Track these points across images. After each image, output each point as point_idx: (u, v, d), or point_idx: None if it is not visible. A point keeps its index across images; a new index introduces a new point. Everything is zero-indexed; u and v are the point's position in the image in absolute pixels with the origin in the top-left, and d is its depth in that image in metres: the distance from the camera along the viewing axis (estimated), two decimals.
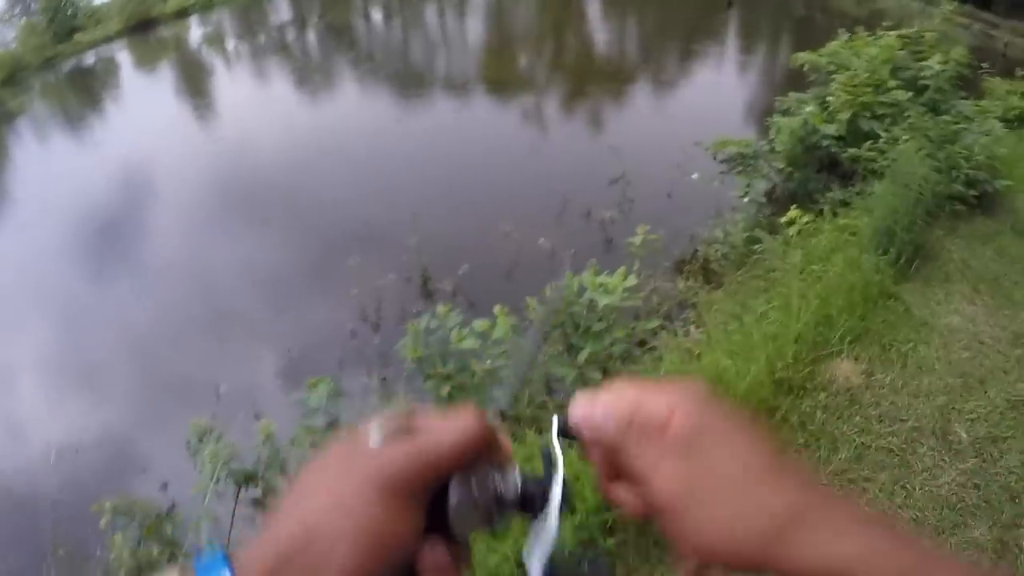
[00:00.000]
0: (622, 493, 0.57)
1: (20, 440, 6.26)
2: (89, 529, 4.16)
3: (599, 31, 20.34)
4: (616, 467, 0.57)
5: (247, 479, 4.14)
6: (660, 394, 0.56)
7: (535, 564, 0.54)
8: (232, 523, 4.00)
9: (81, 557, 4.28)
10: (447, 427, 0.51)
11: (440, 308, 4.62)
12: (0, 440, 6.35)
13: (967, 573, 0.48)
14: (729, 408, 0.56)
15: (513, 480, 0.55)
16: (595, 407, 0.56)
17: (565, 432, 0.59)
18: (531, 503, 0.55)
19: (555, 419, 0.59)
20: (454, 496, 0.51)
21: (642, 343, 4.86)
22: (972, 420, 3.74)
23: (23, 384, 7.11)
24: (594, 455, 0.58)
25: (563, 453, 0.57)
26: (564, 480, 0.56)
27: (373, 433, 0.51)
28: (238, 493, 4.15)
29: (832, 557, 0.47)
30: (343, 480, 0.47)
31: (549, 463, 0.58)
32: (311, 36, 22.10)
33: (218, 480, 3.90)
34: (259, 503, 4.22)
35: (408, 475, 0.48)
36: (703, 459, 0.52)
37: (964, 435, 3.63)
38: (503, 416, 0.63)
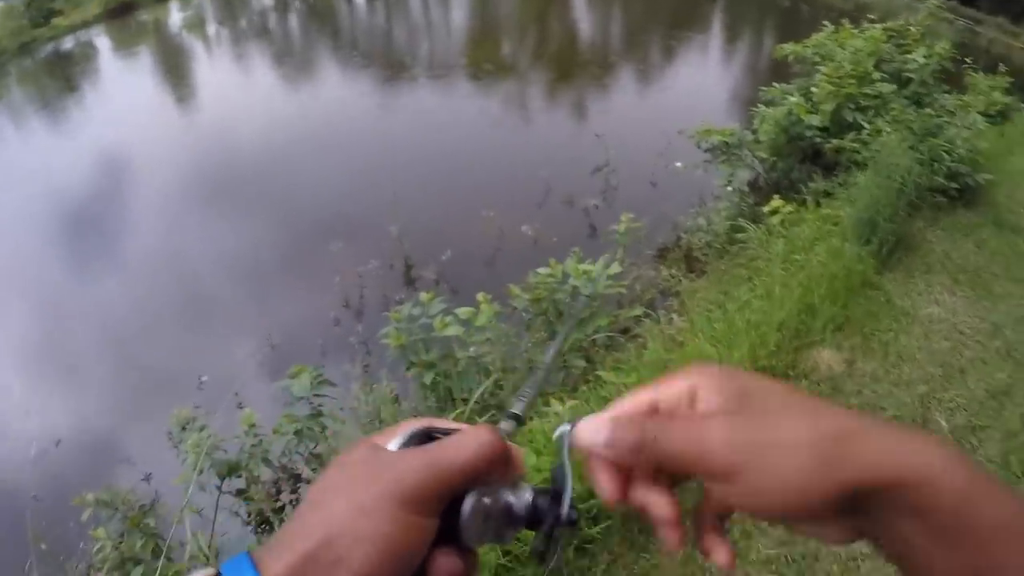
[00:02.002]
0: (650, 496, 0.54)
1: None
2: (71, 523, 4.13)
3: (584, 19, 20.31)
4: (637, 472, 0.55)
5: (230, 470, 4.10)
6: (671, 382, 0.54)
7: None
8: (216, 514, 3.98)
9: (64, 551, 4.23)
10: (464, 443, 0.52)
11: (423, 295, 4.60)
12: None
13: (1013, 496, 0.47)
14: (744, 368, 0.55)
15: (524, 496, 0.56)
16: (604, 420, 0.54)
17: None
18: (541, 521, 0.55)
19: (565, 431, 0.56)
20: (467, 508, 0.52)
21: (625, 331, 4.85)
22: (952, 409, 3.78)
23: (1, 374, 7.00)
24: (606, 472, 0.55)
25: (572, 469, 0.56)
26: (572, 499, 0.55)
27: (393, 441, 0.54)
28: (221, 484, 4.11)
29: (911, 456, 0.47)
30: (364, 487, 0.49)
31: (561, 476, 0.56)
32: (293, 20, 21.89)
33: (201, 471, 3.86)
34: (242, 493, 4.21)
35: (424, 487, 0.49)
36: (747, 408, 0.50)
37: (944, 424, 3.67)
38: (519, 422, 0.64)
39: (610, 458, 0.53)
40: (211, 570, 0.46)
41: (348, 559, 0.46)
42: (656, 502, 0.54)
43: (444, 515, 0.51)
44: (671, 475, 0.55)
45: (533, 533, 0.55)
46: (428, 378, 4.38)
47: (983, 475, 0.47)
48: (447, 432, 0.56)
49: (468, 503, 0.52)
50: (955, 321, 4.52)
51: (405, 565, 0.48)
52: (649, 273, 6.02)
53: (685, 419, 0.51)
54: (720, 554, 0.55)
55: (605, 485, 0.55)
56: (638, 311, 4.91)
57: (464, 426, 0.56)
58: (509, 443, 0.55)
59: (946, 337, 4.36)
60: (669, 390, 0.54)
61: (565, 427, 0.55)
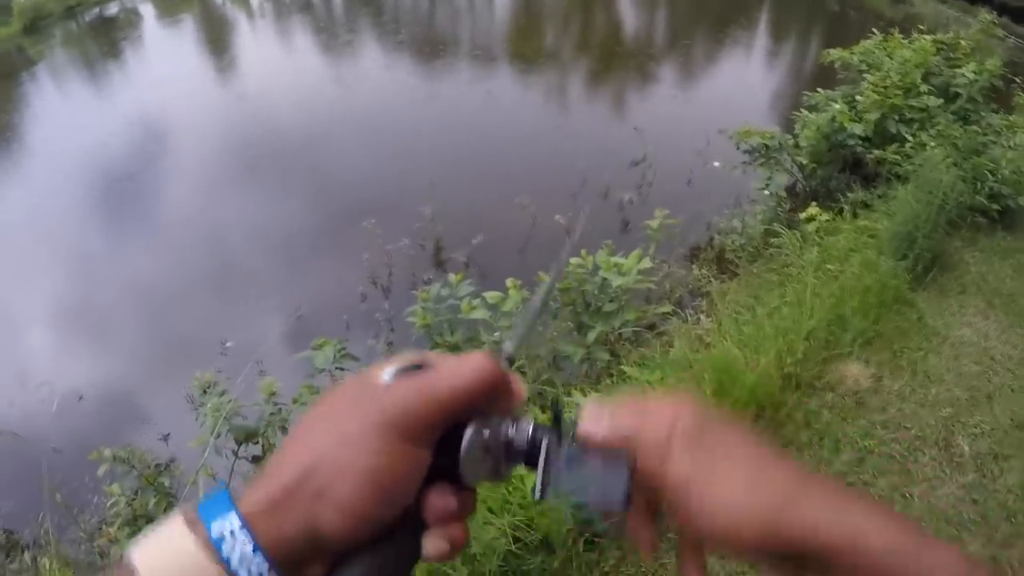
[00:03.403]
0: (633, 520, 0.59)
1: (24, 384, 6.26)
2: (86, 477, 4.20)
3: (629, 10, 20.12)
4: None
5: (248, 436, 4.13)
6: (661, 403, 0.57)
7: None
8: (230, 478, 4.01)
9: (77, 504, 4.32)
10: (458, 368, 0.50)
11: (452, 277, 4.61)
12: (4, 383, 6.35)
13: (957, 557, 0.50)
14: (723, 412, 0.59)
15: (524, 428, 0.54)
16: (604, 419, 0.56)
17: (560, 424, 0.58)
18: (539, 453, 0.54)
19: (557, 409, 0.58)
20: (466, 441, 0.50)
21: (651, 327, 4.84)
22: (976, 435, 3.73)
23: (31, 329, 7.13)
24: None
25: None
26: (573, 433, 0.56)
27: (384, 371, 0.51)
28: (238, 449, 4.16)
29: (840, 526, 0.50)
30: (349, 416, 0.47)
31: (557, 417, 0.57)
32: None
33: (219, 435, 3.85)
34: (258, 460, 4.21)
35: (415, 414, 0.47)
36: (710, 447, 0.54)
37: (967, 449, 3.62)
38: (511, 362, 0.62)
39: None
40: (191, 510, 0.45)
41: (330, 490, 0.44)
42: (635, 525, 0.59)
43: (442, 451, 0.49)
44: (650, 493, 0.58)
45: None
46: None
47: (923, 545, 0.50)
48: None
49: (467, 435, 0.50)
50: (986, 345, 4.45)
51: (394, 497, 0.47)
52: (680, 272, 6.00)
53: (656, 446, 0.54)
54: None
55: None
56: (667, 308, 4.89)
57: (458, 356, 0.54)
58: (508, 372, 0.53)
59: (976, 361, 4.30)
60: (656, 411, 0.56)
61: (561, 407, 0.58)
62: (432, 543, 0.50)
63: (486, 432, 0.51)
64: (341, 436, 0.46)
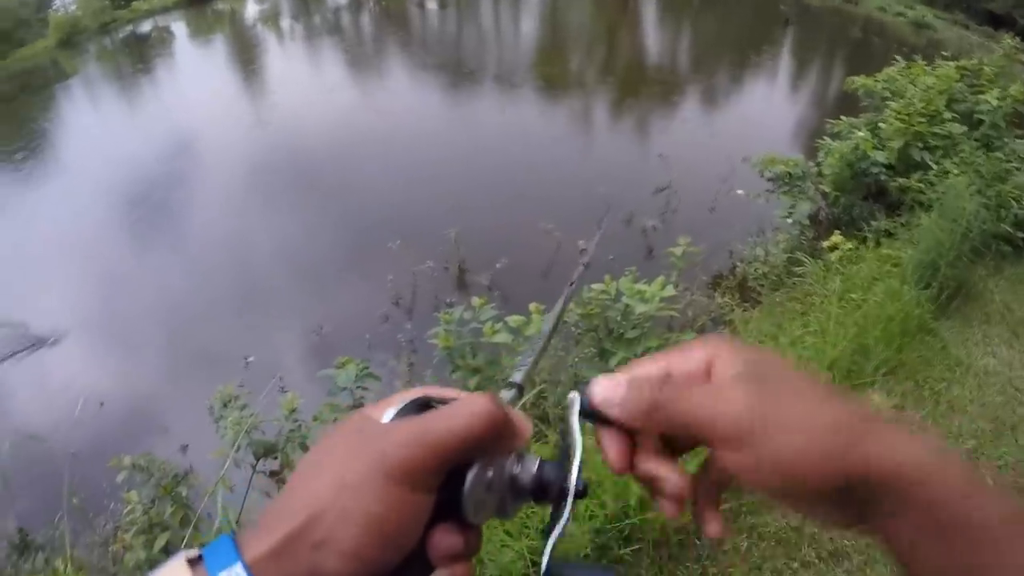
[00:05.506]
0: (660, 468, 0.55)
1: (48, 388, 6.40)
2: (104, 483, 4.26)
3: (653, 37, 20.27)
4: (644, 441, 0.56)
5: (267, 451, 4.15)
6: (688, 351, 0.55)
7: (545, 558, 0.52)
8: (247, 492, 4.03)
9: (94, 509, 4.38)
10: (457, 412, 0.48)
11: (476, 300, 4.64)
12: (29, 387, 6.47)
13: (1012, 502, 0.50)
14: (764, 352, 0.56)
15: (530, 466, 0.54)
16: (621, 380, 0.54)
17: (587, 414, 0.56)
18: (548, 491, 0.53)
19: (575, 397, 0.56)
20: (468, 481, 0.49)
21: None
22: (999, 467, 3.68)
23: (57, 335, 7.24)
24: (615, 438, 0.56)
25: (583, 435, 0.55)
26: (581, 466, 0.53)
27: (386, 412, 0.51)
28: (256, 463, 4.19)
29: (907, 458, 0.48)
30: (350, 461, 0.47)
31: (566, 449, 0.55)
32: (365, 20, 22.25)
33: (239, 448, 3.87)
34: (276, 475, 4.25)
35: (414, 461, 0.46)
36: (764, 383, 0.52)
37: (990, 482, 3.55)
38: (520, 391, 0.63)
39: (622, 419, 0.54)
40: (194, 552, 0.45)
41: (333, 539, 0.44)
42: (665, 475, 0.55)
43: (446, 489, 0.48)
44: (676, 446, 0.57)
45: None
46: (473, 382, 4.41)
47: (977, 478, 0.49)
48: (445, 402, 0.52)
49: (470, 475, 0.49)
50: (1011, 375, 4.41)
51: (397, 543, 0.46)
52: (702, 299, 6.02)
53: (700, 384, 0.53)
54: (712, 526, 0.57)
55: (612, 455, 0.55)
56: (690, 336, 4.91)
57: (462, 394, 0.53)
58: (510, 411, 0.51)
59: (1000, 391, 4.25)
60: (685, 358, 0.55)
61: (574, 394, 0.55)
62: None
63: (490, 471, 0.51)
64: (342, 483, 0.46)
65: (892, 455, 0.48)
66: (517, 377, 0.65)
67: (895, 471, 0.48)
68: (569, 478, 0.52)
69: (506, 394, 0.62)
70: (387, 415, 0.51)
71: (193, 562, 0.44)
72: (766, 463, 0.49)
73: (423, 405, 0.53)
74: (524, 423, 0.53)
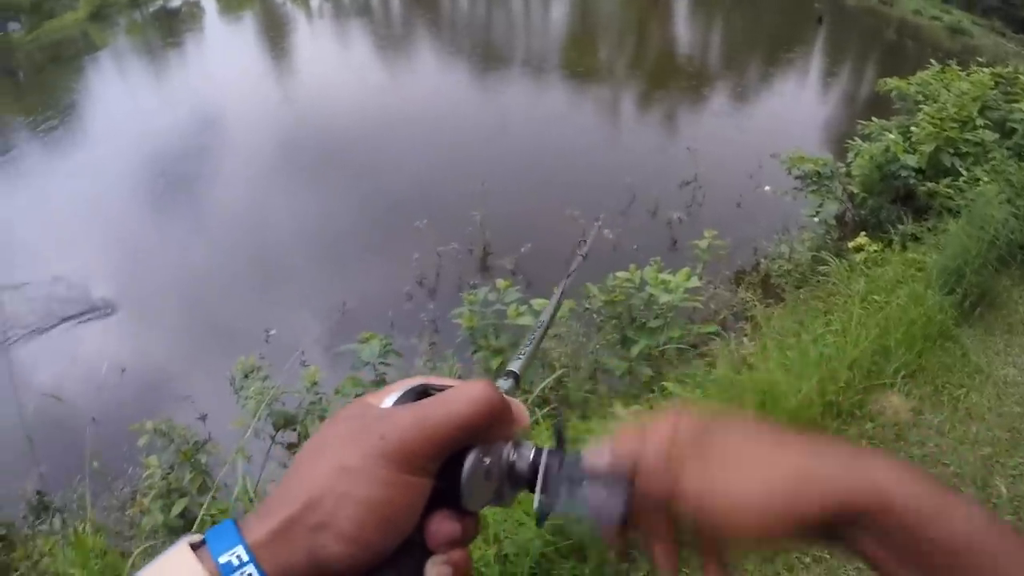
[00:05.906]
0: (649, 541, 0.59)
1: (74, 354, 6.49)
2: (124, 447, 4.36)
3: (684, 30, 20.14)
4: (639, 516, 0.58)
5: (287, 422, 4.22)
6: (658, 421, 0.59)
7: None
8: (265, 462, 4.05)
9: (113, 473, 4.48)
10: (455, 398, 0.50)
11: (500, 282, 4.69)
12: (58, 352, 6.57)
13: (976, 507, 0.53)
14: (724, 412, 0.61)
15: (527, 453, 0.55)
16: (605, 452, 0.57)
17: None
18: (546, 477, 0.55)
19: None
20: (466, 467, 0.50)
21: (695, 346, 4.90)
22: (1015, 476, 3.68)
23: (82, 302, 7.33)
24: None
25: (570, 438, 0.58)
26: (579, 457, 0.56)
27: (387, 398, 0.53)
28: (275, 434, 4.24)
29: (860, 485, 0.51)
30: (349, 446, 0.47)
31: (561, 440, 0.58)
32: (395, 1, 22.22)
33: (259, 418, 3.94)
34: (293, 447, 4.30)
35: (413, 445, 0.47)
36: (714, 450, 0.56)
37: (1004, 490, 3.57)
38: (516, 380, 0.65)
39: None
40: (197, 537, 0.46)
41: (332, 522, 0.45)
42: (655, 545, 0.59)
43: (444, 476, 0.49)
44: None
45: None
46: (494, 363, 4.44)
47: (941, 493, 0.52)
48: (443, 389, 0.53)
49: (468, 461, 0.50)
50: None
51: (395, 527, 0.47)
52: (725, 293, 6.06)
53: (659, 460, 0.56)
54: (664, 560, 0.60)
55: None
56: (712, 328, 4.95)
57: (460, 382, 0.54)
58: (508, 398, 0.53)
59: (1018, 402, 4.24)
60: (654, 434, 0.58)
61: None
62: (435, 569, 0.50)
63: (487, 458, 0.51)
64: (341, 467, 0.46)
65: (844, 486, 0.52)
66: (515, 366, 0.66)
67: (847, 501, 0.51)
68: (565, 464, 0.55)
69: (503, 383, 0.63)
70: (387, 402, 0.52)
71: (196, 546, 0.45)
72: (729, 525, 0.54)
73: (422, 393, 0.53)
74: (522, 410, 0.55)
